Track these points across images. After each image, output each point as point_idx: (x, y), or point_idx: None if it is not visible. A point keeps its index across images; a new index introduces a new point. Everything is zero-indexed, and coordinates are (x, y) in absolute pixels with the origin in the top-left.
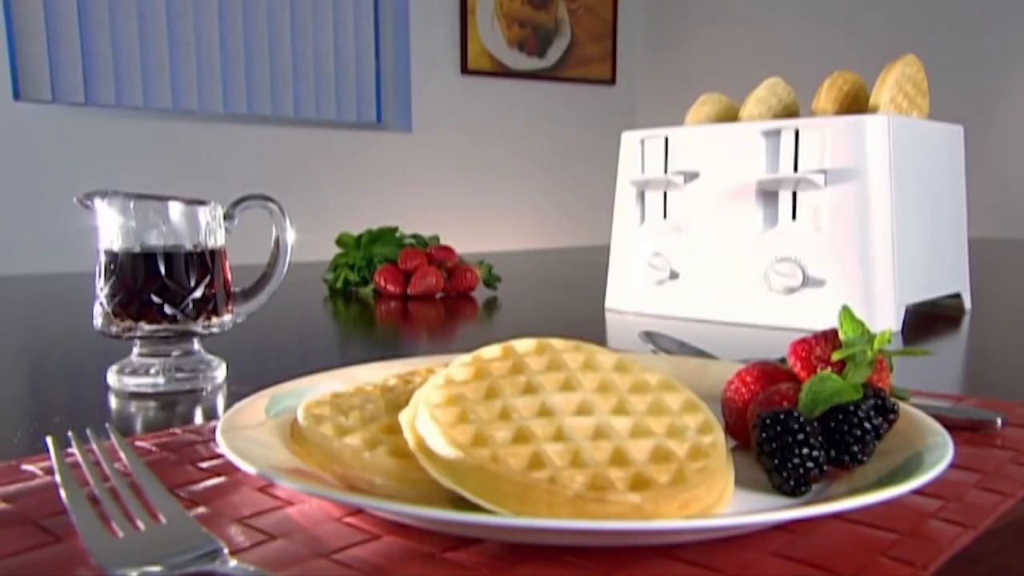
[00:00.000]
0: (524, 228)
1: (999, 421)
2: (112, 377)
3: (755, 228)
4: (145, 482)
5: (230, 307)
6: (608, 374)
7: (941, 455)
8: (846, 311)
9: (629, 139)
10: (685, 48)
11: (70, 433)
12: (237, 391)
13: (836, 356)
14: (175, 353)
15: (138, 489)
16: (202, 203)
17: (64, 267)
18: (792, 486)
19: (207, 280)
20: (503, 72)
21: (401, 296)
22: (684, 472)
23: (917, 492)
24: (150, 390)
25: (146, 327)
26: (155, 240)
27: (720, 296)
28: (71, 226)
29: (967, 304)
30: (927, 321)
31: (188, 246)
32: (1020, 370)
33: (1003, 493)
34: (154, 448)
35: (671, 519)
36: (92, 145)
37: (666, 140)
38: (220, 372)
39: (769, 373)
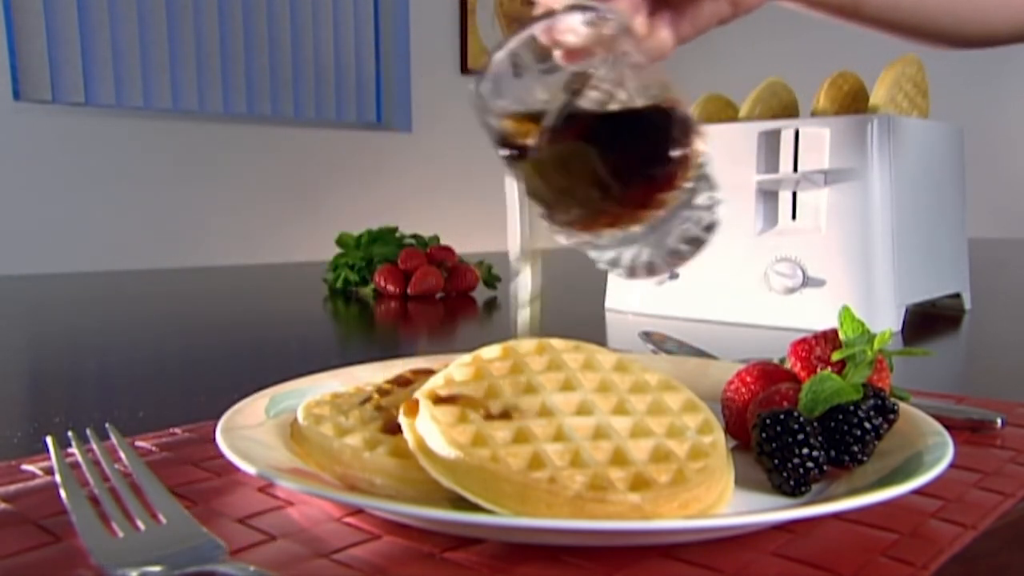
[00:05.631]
0: None
1: (999, 421)
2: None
3: (755, 228)
4: (145, 482)
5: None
6: (608, 374)
7: (941, 455)
8: (846, 311)
9: None
10: (684, 48)
11: (70, 433)
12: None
13: (836, 356)
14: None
15: (138, 489)
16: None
17: (64, 267)
18: (792, 486)
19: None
20: None
21: (401, 296)
22: (684, 472)
23: (917, 492)
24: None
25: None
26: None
27: (720, 296)
28: (71, 226)
29: (967, 304)
30: (927, 321)
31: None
32: (1020, 370)
33: (1003, 493)
34: (154, 448)
35: (671, 519)
36: (92, 145)
37: None
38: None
39: (769, 373)
